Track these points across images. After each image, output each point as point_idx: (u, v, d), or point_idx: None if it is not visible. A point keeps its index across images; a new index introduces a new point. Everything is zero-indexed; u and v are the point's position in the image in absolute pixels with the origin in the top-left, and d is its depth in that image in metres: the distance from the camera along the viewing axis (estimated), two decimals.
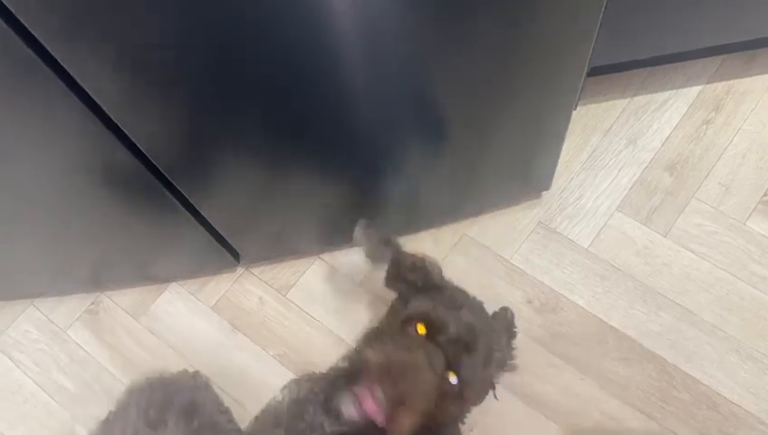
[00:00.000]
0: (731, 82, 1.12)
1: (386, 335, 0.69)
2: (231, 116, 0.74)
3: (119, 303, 1.08)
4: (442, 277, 0.82)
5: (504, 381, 0.96)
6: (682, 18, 0.96)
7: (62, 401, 1.01)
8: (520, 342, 0.98)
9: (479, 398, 0.79)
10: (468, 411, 0.80)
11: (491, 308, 1.01)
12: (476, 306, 0.81)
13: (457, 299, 0.77)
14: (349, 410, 0.60)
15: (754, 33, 0.99)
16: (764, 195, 1.04)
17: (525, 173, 1.00)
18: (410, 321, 0.68)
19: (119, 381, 1.02)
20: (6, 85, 0.63)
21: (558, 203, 1.07)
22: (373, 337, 0.71)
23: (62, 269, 1.04)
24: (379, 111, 0.78)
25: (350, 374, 0.63)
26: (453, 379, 0.66)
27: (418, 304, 0.72)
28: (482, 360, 0.70)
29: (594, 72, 1.06)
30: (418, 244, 1.07)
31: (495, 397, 0.81)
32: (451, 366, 0.66)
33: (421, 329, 0.68)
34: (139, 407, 0.73)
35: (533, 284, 1.02)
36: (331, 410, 0.63)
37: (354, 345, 0.71)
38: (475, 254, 1.05)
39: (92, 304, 1.09)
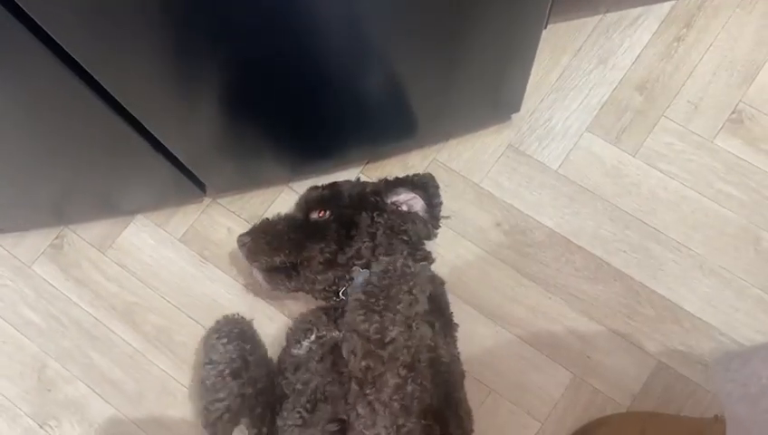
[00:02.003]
0: None
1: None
2: (192, 45, 0.70)
3: (84, 236, 1.06)
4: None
5: (474, 302, 0.97)
6: None
7: (31, 336, 1.01)
8: (489, 263, 0.99)
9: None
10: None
11: (461, 234, 1.01)
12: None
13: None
14: None
15: None
16: (732, 112, 1.03)
17: (494, 96, 0.98)
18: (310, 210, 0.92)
19: (88, 315, 1.01)
20: None
21: (527, 125, 1.05)
22: None
23: (22, 203, 1.01)
24: (343, 34, 0.75)
25: None
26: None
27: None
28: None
29: None
30: (388, 170, 1.06)
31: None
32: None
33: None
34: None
35: (502, 207, 1.02)
36: None
37: None
38: (445, 179, 1.04)
39: (57, 238, 1.06)
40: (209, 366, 0.84)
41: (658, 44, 1.08)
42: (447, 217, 0.99)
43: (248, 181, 1.07)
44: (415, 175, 0.98)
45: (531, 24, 0.82)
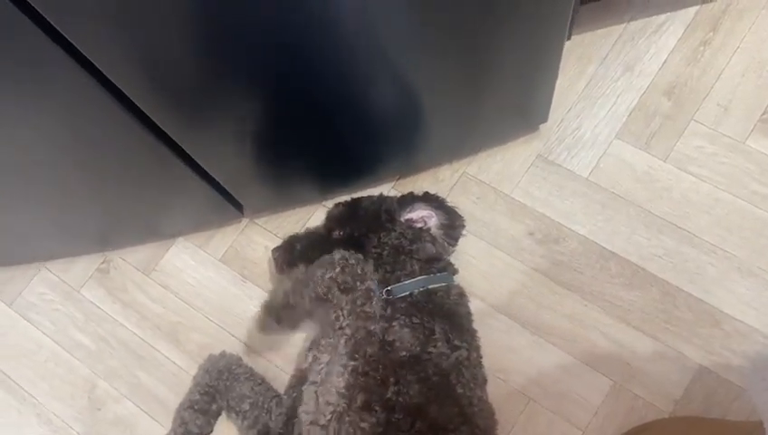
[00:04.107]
0: (728, 0, 1.10)
1: None
2: (229, 69, 0.74)
3: (128, 260, 1.10)
4: None
5: (510, 312, 0.98)
6: None
7: (81, 357, 1.05)
8: (523, 273, 1.00)
9: None
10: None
11: (494, 244, 1.02)
12: None
13: None
14: None
15: None
16: (764, 113, 1.03)
17: (522, 107, 0.99)
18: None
19: (134, 335, 1.05)
20: (8, 60, 0.63)
21: (556, 135, 1.07)
22: None
23: (71, 231, 1.06)
24: (375, 59, 0.78)
25: None
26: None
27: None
28: None
29: None
30: (419, 184, 1.08)
31: None
32: None
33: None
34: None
35: (534, 216, 1.03)
36: None
37: None
38: (476, 191, 1.05)
39: (103, 262, 1.11)
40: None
41: (684, 49, 1.08)
42: (464, 235, 1.00)
43: (284, 201, 1.10)
44: (429, 193, 1.00)
45: (552, 36, 0.83)
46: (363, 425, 0.72)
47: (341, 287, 0.79)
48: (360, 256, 0.84)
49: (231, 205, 1.04)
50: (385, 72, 0.82)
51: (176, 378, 1.02)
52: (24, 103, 0.71)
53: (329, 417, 0.73)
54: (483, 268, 1.01)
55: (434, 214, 0.97)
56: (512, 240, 1.02)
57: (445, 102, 0.93)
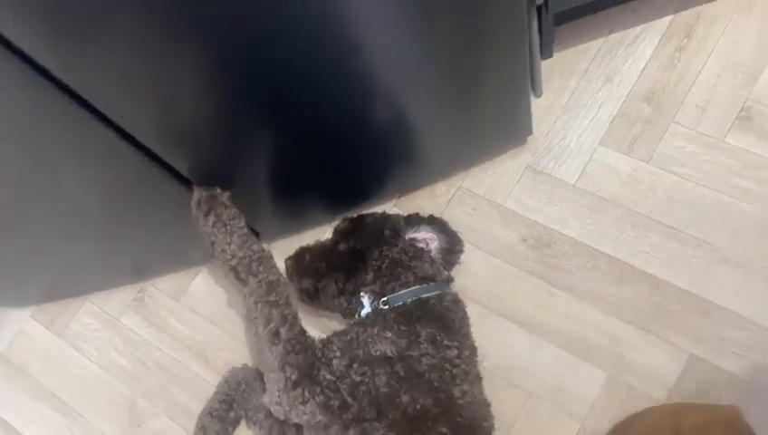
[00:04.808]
0: (700, 7, 1.15)
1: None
2: (245, 117, 0.85)
3: (161, 288, 1.22)
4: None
5: (508, 314, 1.04)
6: None
7: (122, 379, 1.15)
8: (519, 277, 1.06)
9: None
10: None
11: (490, 252, 1.09)
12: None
13: None
14: None
15: None
16: (741, 111, 1.08)
17: (504, 125, 1.07)
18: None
19: (167, 356, 1.15)
20: (52, 129, 0.77)
21: (543, 146, 1.13)
22: None
23: (111, 266, 1.18)
24: (378, 92, 0.89)
25: None
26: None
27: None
28: None
29: (561, 18, 1.12)
30: (417, 200, 1.16)
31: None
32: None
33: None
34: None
35: (527, 223, 1.09)
36: None
37: None
38: (471, 203, 1.13)
39: (139, 292, 1.22)
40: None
41: (661, 56, 1.14)
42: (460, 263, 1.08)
43: (297, 225, 1.19)
44: (434, 216, 1.07)
45: (516, 69, 0.93)
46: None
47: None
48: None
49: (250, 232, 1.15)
50: (384, 105, 0.93)
51: (206, 393, 1.11)
52: (68, 164, 0.85)
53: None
54: (481, 275, 1.08)
55: (436, 238, 1.05)
56: (506, 247, 1.09)
57: (435, 126, 1.02)
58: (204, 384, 1.12)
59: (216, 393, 1.06)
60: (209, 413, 1.03)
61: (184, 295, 1.20)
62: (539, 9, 1.01)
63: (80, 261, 1.15)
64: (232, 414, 1.03)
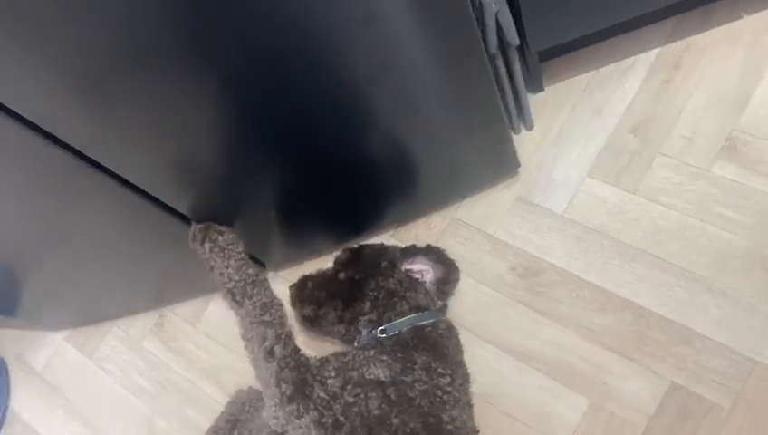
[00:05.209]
0: (689, 39, 1.18)
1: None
2: (244, 152, 0.94)
3: (179, 314, 1.31)
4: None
5: (497, 341, 1.09)
6: None
7: (143, 398, 1.25)
8: (507, 305, 1.11)
9: None
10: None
11: (480, 281, 1.14)
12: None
13: None
14: None
15: None
16: (726, 140, 1.09)
17: (491, 159, 1.12)
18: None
19: (184, 378, 1.24)
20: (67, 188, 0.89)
21: (533, 178, 1.18)
22: None
23: (134, 294, 1.29)
24: (374, 138, 0.98)
25: None
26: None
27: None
28: None
29: (546, 55, 1.17)
30: (413, 230, 1.22)
31: None
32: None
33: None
34: None
35: (516, 253, 1.14)
36: None
37: None
38: (464, 233, 1.18)
39: (159, 317, 1.32)
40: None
41: (649, 89, 1.17)
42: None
43: (301, 254, 1.27)
44: (431, 246, 1.13)
45: (487, 107, 0.98)
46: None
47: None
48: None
49: (255, 262, 1.23)
50: (379, 144, 1.01)
51: (218, 413, 1.19)
52: (87, 215, 0.98)
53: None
54: (471, 303, 1.13)
55: (432, 270, 1.10)
56: (496, 276, 1.13)
57: (427, 162, 1.08)
58: (215, 405, 1.20)
59: (222, 413, 1.13)
60: (214, 432, 1.11)
61: (200, 321, 1.29)
62: (521, 48, 1.06)
63: (106, 290, 1.26)
64: (235, 433, 1.11)
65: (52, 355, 1.37)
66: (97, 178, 0.86)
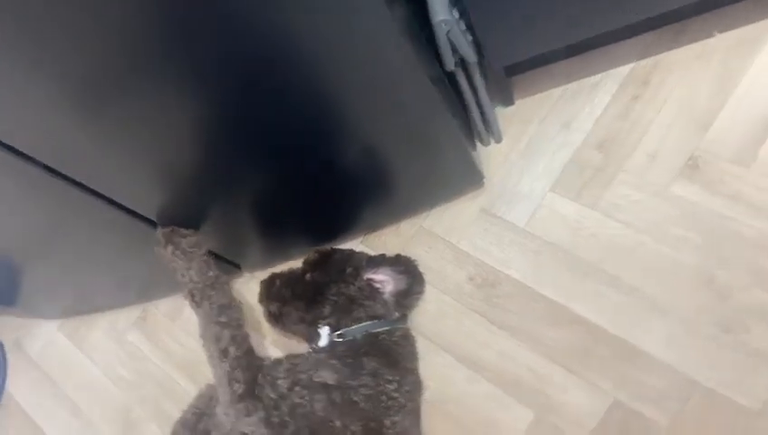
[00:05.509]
0: (660, 56, 1.17)
1: None
2: (218, 162, 0.99)
3: (161, 309, 1.38)
4: None
5: (452, 349, 1.12)
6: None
7: (122, 387, 1.32)
8: (463, 314, 1.14)
9: None
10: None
11: (441, 289, 1.17)
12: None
13: None
14: None
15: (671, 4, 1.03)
16: (689, 159, 1.09)
17: (455, 171, 1.14)
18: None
19: (161, 370, 1.31)
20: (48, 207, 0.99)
21: (498, 190, 1.20)
22: None
23: (121, 288, 1.36)
24: (348, 150, 1.02)
25: None
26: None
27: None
28: None
29: (514, 70, 1.19)
30: (383, 237, 1.25)
31: None
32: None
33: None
34: None
35: (476, 263, 1.16)
36: None
37: None
38: (429, 242, 1.21)
39: (142, 311, 1.39)
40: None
41: (617, 105, 1.17)
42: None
43: (275, 258, 1.32)
44: (401, 257, 1.17)
45: (442, 125, 1.01)
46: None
47: None
48: None
49: (231, 265, 1.28)
50: (349, 154, 1.04)
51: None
52: (71, 226, 1.07)
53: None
54: (431, 311, 1.16)
55: (393, 281, 1.13)
56: (455, 285, 1.16)
57: (395, 173, 1.12)
58: (187, 398, 1.25)
59: (190, 405, 1.19)
60: (182, 423, 1.17)
61: (179, 317, 1.35)
62: (483, 64, 1.08)
63: (96, 284, 1.33)
64: (201, 426, 1.16)
65: (47, 343, 1.45)
66: (68, 190, 0.93)
